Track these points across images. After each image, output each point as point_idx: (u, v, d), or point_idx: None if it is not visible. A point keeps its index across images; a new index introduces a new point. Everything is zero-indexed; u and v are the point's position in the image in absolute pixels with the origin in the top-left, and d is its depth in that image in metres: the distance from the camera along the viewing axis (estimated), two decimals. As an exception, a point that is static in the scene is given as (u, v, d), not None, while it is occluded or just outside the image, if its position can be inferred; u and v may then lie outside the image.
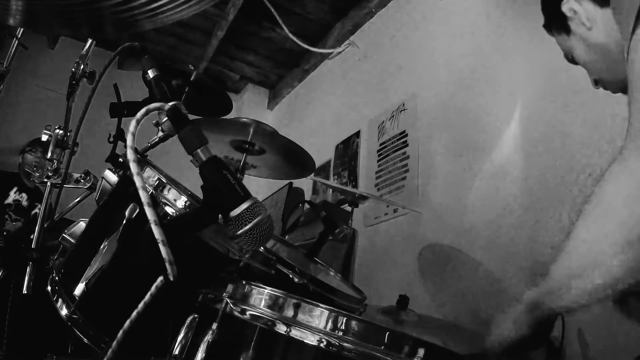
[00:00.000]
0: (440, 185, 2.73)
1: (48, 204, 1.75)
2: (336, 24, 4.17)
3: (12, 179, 3.73)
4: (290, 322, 0.90)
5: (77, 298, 1.03)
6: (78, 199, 2.41)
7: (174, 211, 1.06)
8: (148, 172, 1.11)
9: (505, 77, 2.47)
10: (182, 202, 1.07)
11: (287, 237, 3.07)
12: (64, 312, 1.07)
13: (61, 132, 1.76)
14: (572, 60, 1.13)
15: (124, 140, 0.91)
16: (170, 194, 1.08)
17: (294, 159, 2.09)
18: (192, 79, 2.00)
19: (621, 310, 0.99)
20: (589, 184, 1.93)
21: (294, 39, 4.12)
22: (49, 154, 1.76)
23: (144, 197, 0.85)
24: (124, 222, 1.03)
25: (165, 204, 1.07)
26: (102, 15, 1.00)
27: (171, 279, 0.86)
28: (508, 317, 0.92)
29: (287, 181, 4.08)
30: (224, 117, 2.21)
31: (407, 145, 3.06)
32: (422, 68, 3.13)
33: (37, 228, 1.68)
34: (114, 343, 0.88)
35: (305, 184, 3.94)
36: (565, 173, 2.04)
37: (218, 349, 0.92)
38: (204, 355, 0.91)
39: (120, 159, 1.22)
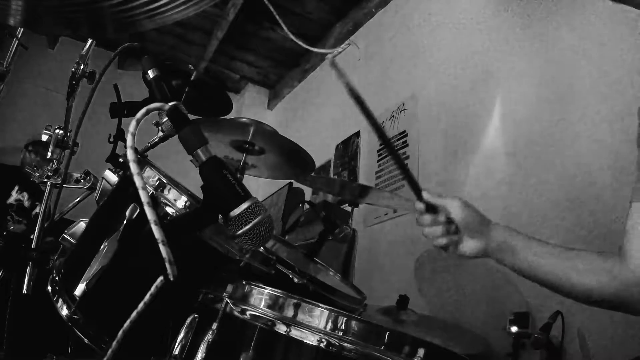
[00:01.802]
0: (440, 186, 2.73)
1: (48, 204, 1.75)
2: (336, 24, 4.17)
3: (13, 173, 3.67)
4: (290, 322, 0.90)
5: (77, 298, 1.03)
6: (78, 199, 2.41)
7: (174, 211, 1.06)
8: (148, 172, 1.11)
9: (506, 77, 2.47)
10: (182, 202, 1.07)
11: (287, 237, 3.07)
12: (64, 312, 1.07)
13: (61, 132, 1.76)
14: None
15: (124, 141, 0.91)
16: (171, 194, 1.08)
17: (294, 159, 2.09)
18: (192, 79, 1.99)
19: None
20: (588, 185, 1.93)
21: (294, 39, 4.11)
22: (49, 154, 1.76)
23: (144, 197, 0.85)
24: (124, 222, 1.03)
25: (166, 204, 1.07)
26: (102, 15, 1.00)
27: (171, 279, 0.86)
28: None
29: (287, 181, 4.08)
30: (224, 117, 2.21)
31: (407, 145, 3.06)
32: (422, 68, 3.13)
33: (37, 228, 1.68)
34: (114, 343, 0.88)
35: (305, 184, 3.93)
36: (566, 174, 2.04)
37: (218, 349, 0.92)
38: (204, 355, 0.91)
39: (120, 159, 1.22)
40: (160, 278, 0.87)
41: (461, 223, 1.08)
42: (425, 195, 1.09)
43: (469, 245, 1.09)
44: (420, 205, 1.09)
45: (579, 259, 1.02)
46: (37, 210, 3.57)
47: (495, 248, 1.08)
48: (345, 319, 0.90)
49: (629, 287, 0.96)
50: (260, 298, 0.95)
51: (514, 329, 1.84)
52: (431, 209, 1.09)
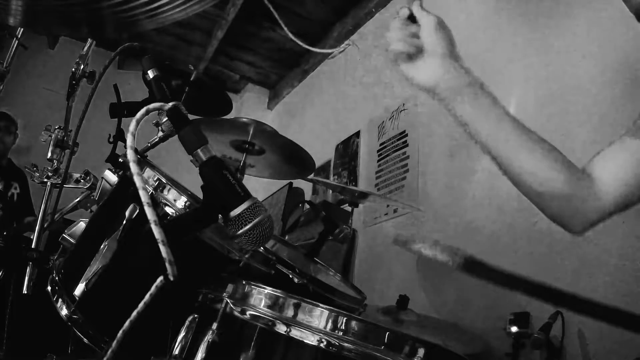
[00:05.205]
0: (440, 185, 2.73)
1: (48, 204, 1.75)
2: (336, 24, 4.17)
3: None
4: (290, 322, 0.90)
5: (77, 298, 1.03)
6: (78, 199, 2.41)
7: (173, 211, 1.06)
8: (148, 172, 1.11)
9: (504, 77, 2.47)
10: (181, 202, 1.07)
11: (287, 237, 3.07)
12: (64, 312, 1.07)
13: (61, 132, 1.76)
14: None
15: (124, 141, 0.90)
16: (170, 194, 1.08)
17: (294, 159, 2.09)
18: (192, 79, 2.00)
19: None
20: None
21: (294, 39, 4.11)
22: (49, 154, 1.76)
23: (144, 197, 0.85)
24: (124, 222, 1.03)
25: (165, 204, 1.07)
26: (102, 15, 1.00)
27: (171, 279, 0.86)
28: None
29: (287, 181, 4.08)
30: (224, 117, 2.21)
31: (407, 145, 3.06)
32: (422, 68, 3.13)
33: (37, 228, 1.68)
34: (114, 343, 0.88)
35: (305, 184, 3.94)
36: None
37: (218, 349, 0.92)
38: (204, 355, 0.91)
39: (120, 159, 1.22)
40: (160, 278, 0.87)
41: (430, 43, 0.94)
42: (416, 5, 0.94)
43: (427, 66, 0.94)
44: (405, 11, 0.95)
45: (544, 148, 0.95)
46: (12, 190, 3.48)
47: (452, 81, 0.95)
48: (345, 319, 0.90)
49: (576, 197, 0.91)
50: (260, 298, 0.95)
51: (514, 329, 1.84)
52: (412, 18, 0.95)
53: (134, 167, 0.87)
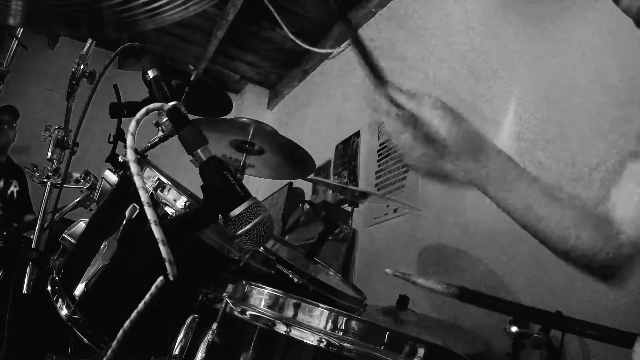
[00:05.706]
0: (439, 186, 2.72)
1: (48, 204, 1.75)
2: (336, 24, 4.17)
3: None
4: (290, 322, 0.90)
5: (77, 298, 1.03)
6: (78, 199, 2.42)
7: (173, 211, 1.06)
8: (148, 172, 1.11)
9: (505, 76, 2.47)
10: (181, 202, 1.07)
11: (287, 237, 3.07)
12: (64, 312, 1.07)
13: (61, 132, 1.76)
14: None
15: (124, 141, 0.90)
16: (170, 194, 1.08)
17: (294, 159, 2.09)
18: (192, 79, 2.00)
19: None
20: (587, 179, 1.93)
21: (294, 39, 4.12)
22: (49, 154, 1.76)
23: (144, 197, 0.85)
24: (124, 222, 1.03)
25: (165, 204, 1.07)
26: (102, 15, 1.00)
27: (171, 279, 0.86)
28: None
29: (287, 181, 4.08)
30: (224, 117, 2.21)
31: (407, 145, 3.06)
32: (422, 67, 3.13)
33: (36, 228, 1.68)
34: (114, 343, 0.88)
35: (305, 184, 3.94)
36: (564, 170, 2.04)
37: (218, 349, 0.92)
38: (204, 355, 0.91)
39: (120, 159, 1.22)
40: (160, 278, 0.87)
41: (452, 143, 0.89)
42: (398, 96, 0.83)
43: (459, 169, 0.92)
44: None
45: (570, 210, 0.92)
46: (11, 189, 3.49)
47: (490, 174, 0.92)
48: (345, 319, 0.89)
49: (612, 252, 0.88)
50: (260, 298, 0.95)
51: (514, 329, 1.84)
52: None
53: (134, 167, 0.87)
